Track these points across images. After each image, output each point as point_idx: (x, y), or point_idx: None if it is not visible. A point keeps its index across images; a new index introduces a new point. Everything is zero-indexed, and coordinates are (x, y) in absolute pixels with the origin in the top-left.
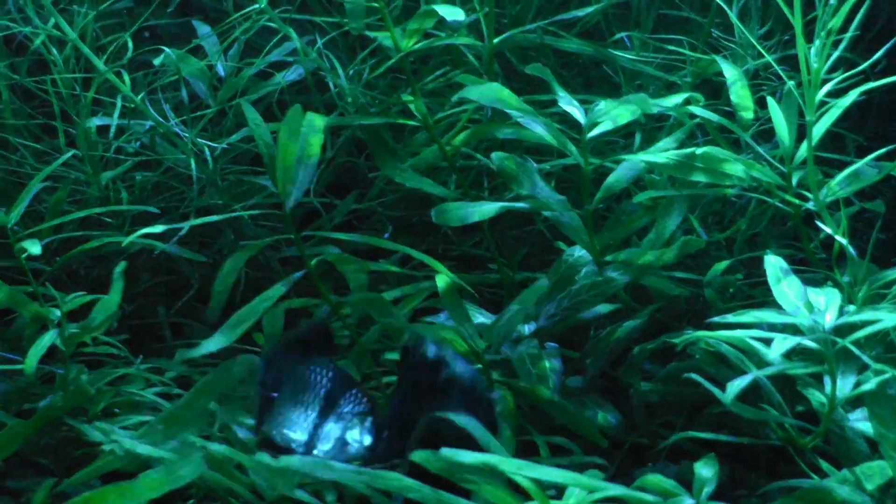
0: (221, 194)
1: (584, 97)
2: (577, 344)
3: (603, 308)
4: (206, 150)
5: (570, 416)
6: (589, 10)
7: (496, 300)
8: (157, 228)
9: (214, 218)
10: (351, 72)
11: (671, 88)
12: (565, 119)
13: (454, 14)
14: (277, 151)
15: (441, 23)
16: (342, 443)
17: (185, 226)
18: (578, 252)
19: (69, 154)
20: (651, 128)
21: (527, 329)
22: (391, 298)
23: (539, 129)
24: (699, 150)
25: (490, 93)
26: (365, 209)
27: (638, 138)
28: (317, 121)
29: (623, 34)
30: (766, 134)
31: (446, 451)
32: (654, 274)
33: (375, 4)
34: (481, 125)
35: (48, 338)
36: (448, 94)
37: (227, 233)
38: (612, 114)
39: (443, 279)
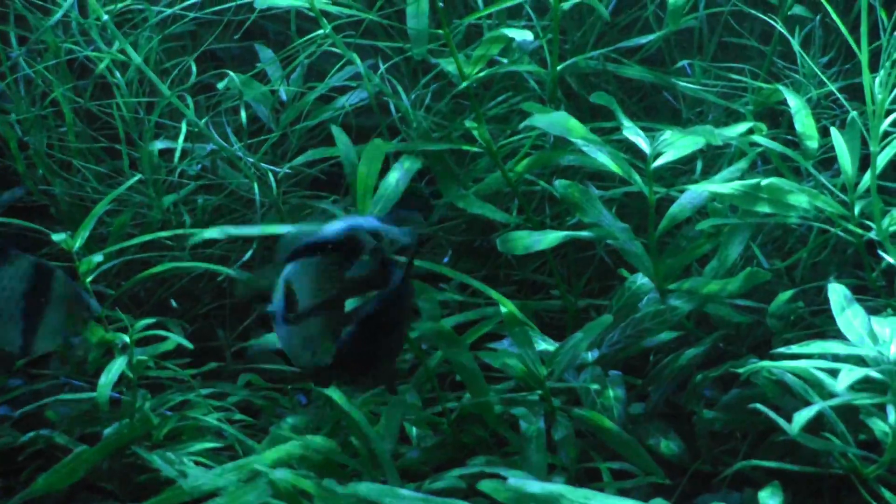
0: (284, 218)
1: (644, 124)
2: (635, 369)
3: (665, 335)
4: (270, 174)
5: (628, 449)
6: (651, 37)
7: (556, 325)
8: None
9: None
10: (412, 97)
11: (732, 116)
12: (626, 145)
13: (523, 35)
14: (359, 176)
15: (503, 49)
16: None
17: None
18: (641, 279)
19: (136, 178)
20: (711, 154)
21: (590, 356)
22: (454, 324)
23: (604, 158)
24: (764, 181)
25: (557, 122)
26: (425, 233)
27: (699, 166)
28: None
29: (685, 62)
30: (826, 162)
31: (514, 482)
32: (716, 301)
33: (440, 31)
34: (544, 152)
35: (118, 365)
36: (509, 119)
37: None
38: (678, 144)
39: (510, 306)
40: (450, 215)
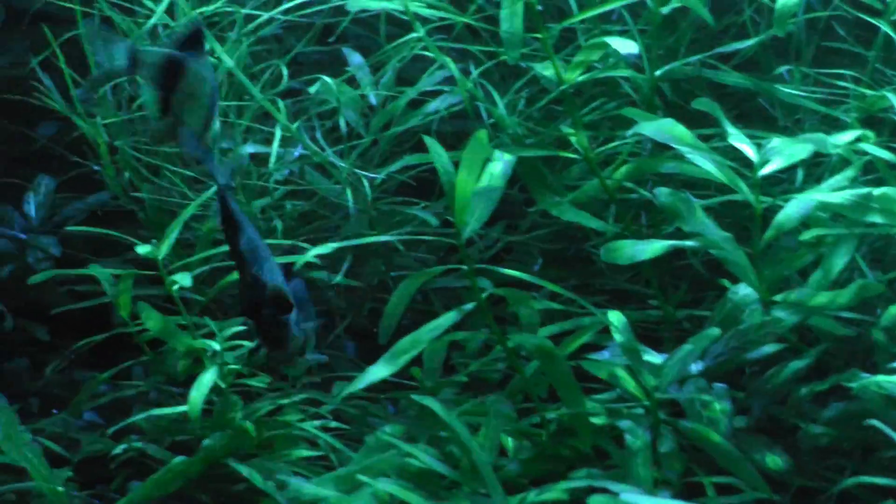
0: (374, 224)
1: (747, 131)
2: (731, 382)
3: (768, 348)
4: (364, 180)
5: (736, 464)
6: (749, 42)
7: (649, 336)
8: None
9: (370, 239)
10: (504, 102)
11: (829, 123)
12: (725, 153)
13: (628, 48)
14: (457, 182)
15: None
16: None
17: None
18: (743, 290)
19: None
20: (810, 163)
21: (694, 368)
22: (551, 334)
23: (709, 166)
24: (876, 191)
25: (664, 129)
26: (515, 241)
27: (800, 174)
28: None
29: (783, 68)
30: None
31: (626, 497)
32: (822, 314)
33: (538, 35)
34: (644, 159)
35: (209, 376)
36: (603, 125)
37: (375, 262)
38: (786, 152)
39: (615, 316)
40: (540, 223)
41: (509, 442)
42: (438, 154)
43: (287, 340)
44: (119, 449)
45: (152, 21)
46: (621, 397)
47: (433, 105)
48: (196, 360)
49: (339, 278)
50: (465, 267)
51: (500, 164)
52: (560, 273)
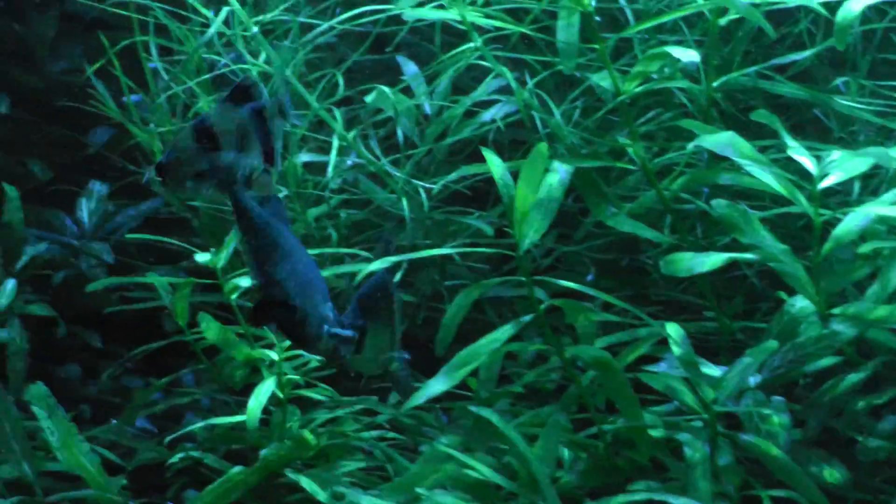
0: (428, 233)
1: (805, 143)
2: (787, 394)
3: (825, 361)
4: (421, 189)
5: (794, 477)
6: (805, 53)
7: (703, 347)
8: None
9: (430, 252)
10: (559, 111)
11: (886, 134)
12: (781, 164)
13: (689, 56)
14: (516, 193)
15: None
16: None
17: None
18: (800, 303)
19: (282, 194)
20: (866, 174)
21: (752, 381)
22: (606, 344)
23: (768, 178)
24: None
25: (725, 141)
26: (568, 250)
27: (857, 187)
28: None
29: (840, 80)
30: None
31: None
32: (877, 327)
33: (595, 46)
34: (700, 171)
35: (268, 386)
36: (658, 136)
37: (429, 272)
38: (846, 165)
39: (673, 328)
40: (593, 233)
41: (565, 453)
42: (496, 165)
43: (309, 338)
44: (176, 458)
45: (211, 31)
46: (678, 409)
47: (488, 114)
48: (253, 369)
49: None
50: (522, 278)
51: (558, 175)
52: (613, 283)
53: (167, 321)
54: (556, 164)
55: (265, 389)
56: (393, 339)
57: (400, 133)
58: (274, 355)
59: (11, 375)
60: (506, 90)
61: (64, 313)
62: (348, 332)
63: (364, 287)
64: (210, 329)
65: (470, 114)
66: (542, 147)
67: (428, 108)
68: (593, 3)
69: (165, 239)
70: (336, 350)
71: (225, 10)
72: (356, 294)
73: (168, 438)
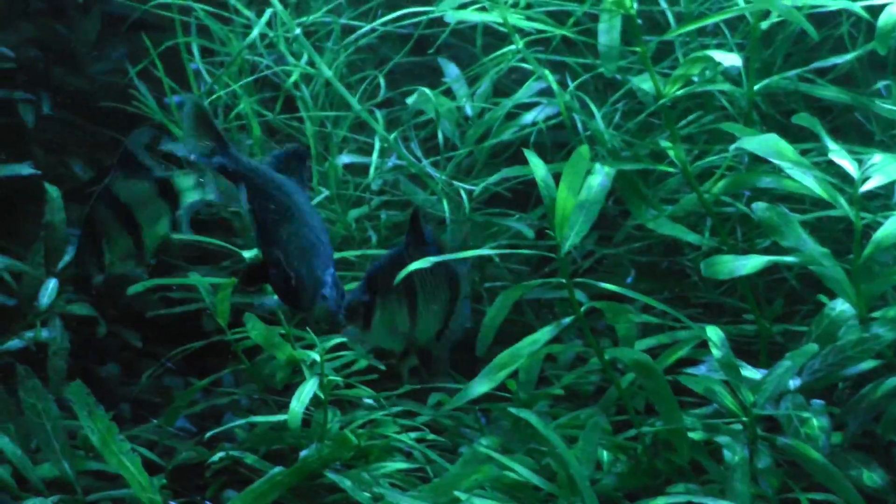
0: (468, 235)
1: (845, 146)
2: (826, 397)
3: (865, 364)
4: (462, 191)
5: (833, 480)
6: (847, 57)
7: (742, 349)
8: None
9: (472, 253)
10: (600, 114)
11: None
12: (821, 167)
13: (731, 60)
14: (557, 196)
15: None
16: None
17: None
18: (840, 306)
19: (323, 195)
20: None
21: (791, 384)
22: (647, 347)
23: (810, 182)
24: None
25: (767, 144)
26: (608, 252)
27: None
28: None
29: (881, 83)
30: None
31: None
32: None
33: (636, 49)
34: (741, 174)
35: (310, 387)
36: (699, 138)
37: (469, 273)
38: (887, 168)
39: (713, 331)
40: (633, 235)
41: (604, 455)
42: (538, 167)
43: (302, 302)
44: (216, 457)
45: (255, 33)
46: (717, 412)
47: (529, 116)
48: (294, 369)
49: None
50: (563, 280)
51: (599, 178)
52: (653, 286)
53: (206, 321)
54: (598, 167)
55: (307, 390)
56: (448, 315)
57: (441, 135)
58: (316, 356)
59: (52, 374)
60: (545, 92)
61: (104, 313)
62: (331, 298)
63: (377, 262)
64: (255, 330)
65: (510, 116)
66: (584, 150)
67: (469, 110)
68: (635, 6)
69: (207, 239)
70: (333, 315)
71: (268, 12)
72: (368, 269)
73: (208, 435)
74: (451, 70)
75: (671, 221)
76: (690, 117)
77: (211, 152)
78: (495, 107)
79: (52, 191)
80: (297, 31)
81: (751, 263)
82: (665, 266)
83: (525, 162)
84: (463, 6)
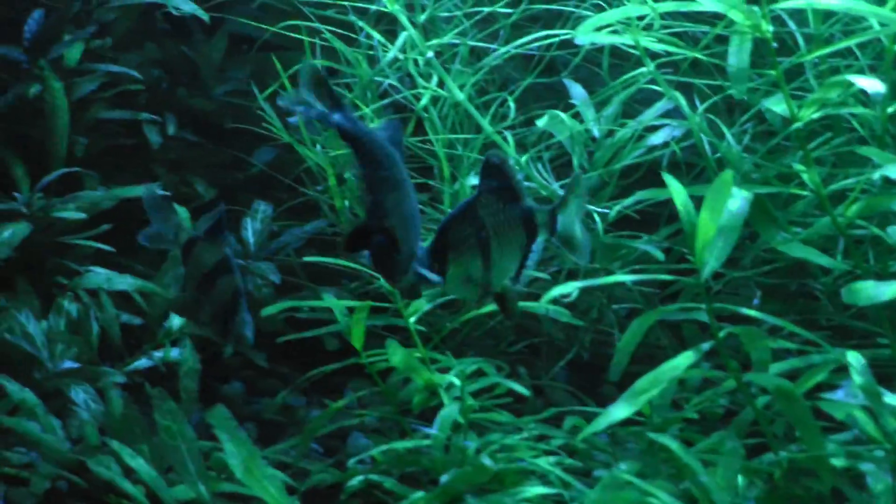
0: (598, 258)
1: None
2: None
3: None
4: (595, 214)
5: None
6: None
7: (875, 373)
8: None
9: (608, 280)
10: (730, 136)
11: None
12: None
13: (874, 87)
14: (699, 221)
15: None
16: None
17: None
18: None
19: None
20: None
21: None
22: (781, 371)
23: None
24: None
25: None
26: (738, 275)
27: None
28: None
29: None
30: None
31: None
32: None
33: (765, 71)
34: (875, 197)
35: (451, 411)
36: (827, 161)
37: (597, 294)
38: None
39: (854, 356)
40: (761, 257)
41: (739, 480)
42: (678, 191)
43: (396, 271)
44: (356, 480)
45: (388, 57)
46: (857, 438)
47: (659, 137)
48: (431, 393)
49: (565, 315)
50: (700, 305)
51: (738, 202)
52: (780, 308)
53: (328, 340)
54: (737, 191)
55: (449, 414)
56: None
57: (575, 159)
58: (456, 381)
59: (184, 395)
60: (672, 114)
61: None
62: (435, 277)
63: (450, 212)
64: (395, 354)
65: (635, 137)
66: (728, 175)
67: (596, 132)
68: (771, 30)
69: (334, 260)
70: (415, 287)
71: (403, 35)
72: (439, 227)
73: (351, 461)
74: (577, 91)
75: (802, 245)
76: (819, 139)
77: (329, 111)
78: (622, 128)
79: (181, 211)
80: (430, 53)
81: (891, 290)
82: (793, 289)
83: (657, 184)
84: (597, 29)
